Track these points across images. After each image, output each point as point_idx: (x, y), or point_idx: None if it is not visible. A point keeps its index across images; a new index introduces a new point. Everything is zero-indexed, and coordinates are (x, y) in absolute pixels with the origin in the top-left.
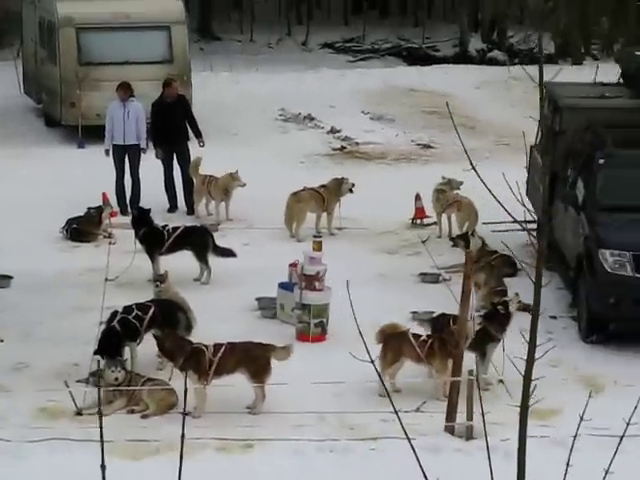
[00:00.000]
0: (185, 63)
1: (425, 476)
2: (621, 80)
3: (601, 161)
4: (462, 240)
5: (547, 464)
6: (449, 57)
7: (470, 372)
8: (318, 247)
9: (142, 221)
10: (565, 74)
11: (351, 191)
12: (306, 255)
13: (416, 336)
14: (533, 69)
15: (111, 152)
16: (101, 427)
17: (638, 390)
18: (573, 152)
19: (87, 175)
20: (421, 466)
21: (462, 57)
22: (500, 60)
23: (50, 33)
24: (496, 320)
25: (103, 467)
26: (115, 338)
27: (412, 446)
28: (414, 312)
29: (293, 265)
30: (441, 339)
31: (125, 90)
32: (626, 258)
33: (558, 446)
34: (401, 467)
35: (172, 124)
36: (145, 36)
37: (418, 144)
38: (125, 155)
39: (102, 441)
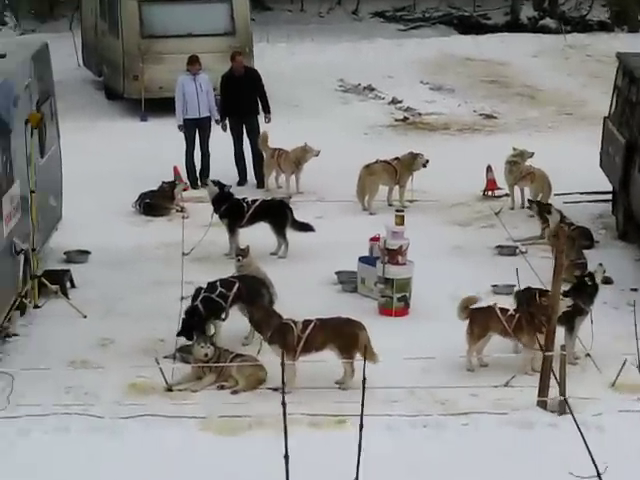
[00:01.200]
0: (247, 35)
1: None
2: None
3: None
4: (538, 207)
5: None
6: (501, 25)
7: (562, 347)
8: (400, 221)
9: (223, 197)
10: (621, 42)
11: (424, 166)
12: (388, 229)
13: (503, 310)
14: (588, 37)
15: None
16: (285, 416)
17: None
18: None
19: (152, 148)
20: None
21: (514, 25)
22: (552, 28)
23: (111, 5)
24: (584, 293)
25: (287, 457)
26: (198, 318)
27: None
28: (494, 285)
29: (374, 239)
30: (529, 313)
31: (196, 63)
32: None
33: None
34: (495, 441)
35: (241, 97)
36: (207, 8)
37: (480, 114)
38: (196, 128)
39: (285, 432)
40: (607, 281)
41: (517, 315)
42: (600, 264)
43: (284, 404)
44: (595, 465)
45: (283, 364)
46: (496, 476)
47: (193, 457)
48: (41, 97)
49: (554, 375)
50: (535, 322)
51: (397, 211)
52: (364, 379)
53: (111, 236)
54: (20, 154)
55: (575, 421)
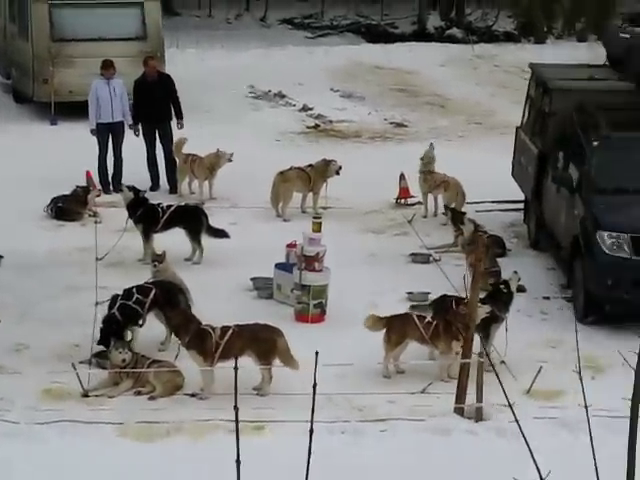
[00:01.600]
0: (158, 40)
1: None
2: (607, 62)
3: (595, 143)
4: (452, 214)
5: (557, 445)
6: (408, 34)
7: (480, 354)
8: (317, 228)
9: (138, 202)
10: (528, 53)
11: (337, 173)
12: (305, 236)
13: (420, 317)
14: (495, 47)
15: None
16: (237, 421)
17: None
18: (564, 134)
19: (63, 152)
20: None
21: (421, 34)
22: (459, 37)
23: (21, 8)
24: (499, 300)
25: (238, 462)
26: (116, 326)
27: None
28: (409, 293)
29: (291, 246)
30: (446, 321)
31: (111, 68)
32: (624, 240)
33: (563, 427)
34: (413, 448)
35: (154, 102)
36: (118, 12)
37: (391, 122)
38: (109, 133)
39: (237, 434)
40: (520, 289)
41: (434, 322)
42: (515, 272)
43: (236, 408)
44: (538, 470)
45: (236, 368)
46: None
47: (111, 463)
48: None
49: (500, 376)
50: (452, 329)
51: (314, 218)
52: (315, 384)
53: (23, 240)
54: None
55: (521, 431)
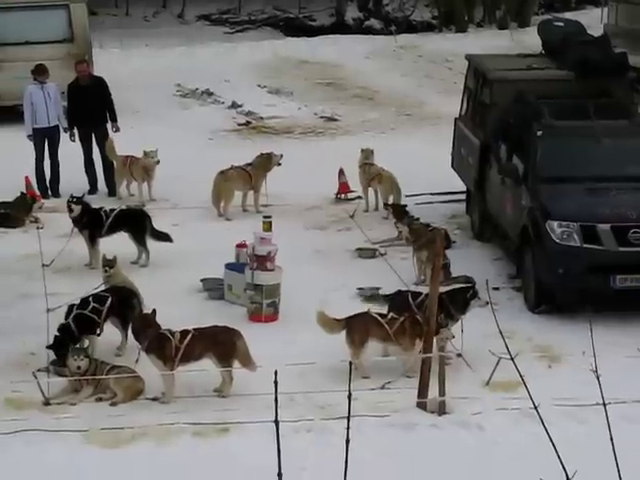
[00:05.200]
0: (86, 42)
1: None
2: (543, 51)
3: (539, 133)
4: (392, 208)
5: (520, 436)
6: (326, 26)
7: (441, 348)
8: (268, 227)
9: (83, 210)
10: (450, 42)
11: (279, 164)
12: (256, 235)
13: (382, 315)
14: (418, 38)
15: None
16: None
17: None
18: (506, 125)
19: None
20: None
21: (340, 26)
22: (377, 29)
23: None
24: (457, 301)
25: (280, 475)
26: (69, 336)
27: None
28: (360, 288)
29: (241, 246)
30: (413, 317)
31: (44, 72)
32: (573, 229)
33: (527, 417)
34: (378, 444)
35: (89, 106)
36: (44, 15)
37: (322, 117)
38: (45, 138)
39: (279, 448)
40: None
41: (400, 319)
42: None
43: (277, 421)
44: (564, 468)
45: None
46: (380, 478)
47: (78, 471)
48: None
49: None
50: (418, 326)
51: (264, 217)
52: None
53: None
54: None
55: (546, 431)
